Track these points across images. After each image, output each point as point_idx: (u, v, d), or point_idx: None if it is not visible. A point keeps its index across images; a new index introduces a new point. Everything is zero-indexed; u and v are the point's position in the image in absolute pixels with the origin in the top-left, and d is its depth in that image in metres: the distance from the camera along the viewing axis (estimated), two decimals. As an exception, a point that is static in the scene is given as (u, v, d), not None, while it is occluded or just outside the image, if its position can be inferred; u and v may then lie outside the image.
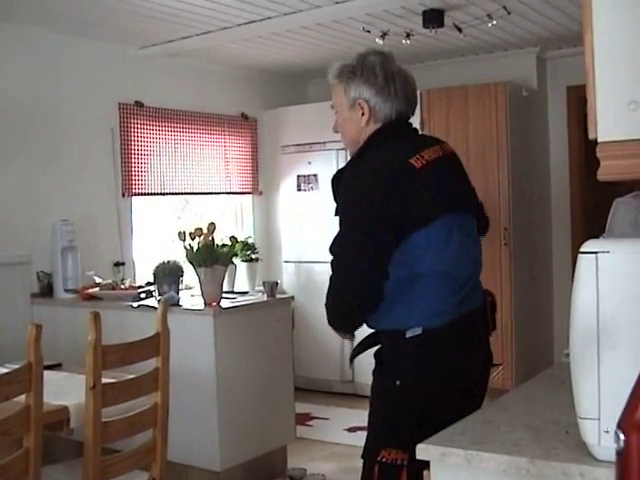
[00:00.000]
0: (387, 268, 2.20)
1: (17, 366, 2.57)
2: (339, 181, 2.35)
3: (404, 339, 2.24)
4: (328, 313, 2.32)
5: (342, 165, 2.50)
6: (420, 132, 2.71)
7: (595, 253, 1.44)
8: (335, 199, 2.35)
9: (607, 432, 1.41)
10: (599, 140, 1.46)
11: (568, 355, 1.51)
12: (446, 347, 2.23)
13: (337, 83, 2.42)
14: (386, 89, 2.33)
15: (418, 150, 2.29)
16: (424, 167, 2.26)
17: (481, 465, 1.55)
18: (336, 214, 2.31)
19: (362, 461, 2.34)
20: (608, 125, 1.45)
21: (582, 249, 1.46)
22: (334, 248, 2.28)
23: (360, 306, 2.26)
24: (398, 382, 2.25)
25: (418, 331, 2.23)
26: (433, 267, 2.23)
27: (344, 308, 2.30)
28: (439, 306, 2.24)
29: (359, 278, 2.22)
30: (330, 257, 2.29)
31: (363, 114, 2.36)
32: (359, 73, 2.36)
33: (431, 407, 2.20)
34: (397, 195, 2.19)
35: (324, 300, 2.33)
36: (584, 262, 1.45)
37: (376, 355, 2.39)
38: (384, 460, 2.22)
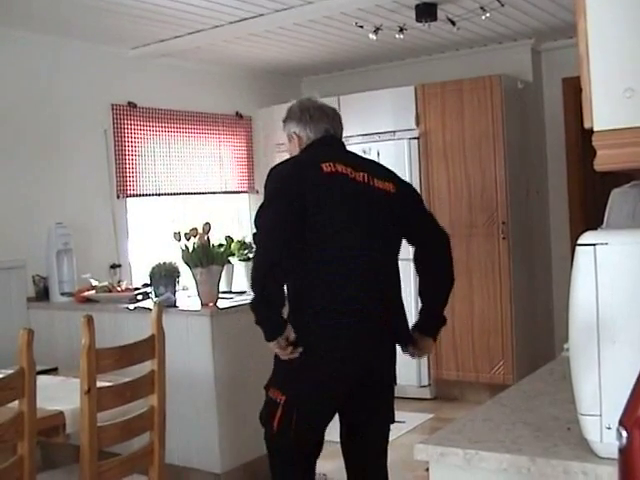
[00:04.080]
0: (291, 237, 2.78)
1: (11, 371, 2.53)
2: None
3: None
4: (253, 275, 2.84)
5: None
6: (376, 160, 3.45)
7: (593, 245, 1.41)
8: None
9: (609, 429, 1.38)
10: (595, 129, 1.43)
11: (569, 349, 1.48)
12: (313, 323, 2.84)
13: (283, 127, 3.20)
14: (302, 118, 3.07)
15: (334, 160, 2.91)
16: (332, 173, 2.87)
17: (481, 465, 1.52)
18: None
19: None
20: (604, 113, 1.42)
21: (580, 241, 1.43)
22: (257, 221, 2.88)
23: (272, 267, 2.79)
24: None
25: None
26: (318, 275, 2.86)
27: (263, 270, 2.80)
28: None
29: (274, 244, 2.80)
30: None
31: (295, 141, 3.11)
32: (286, 117, 3.16)
33: (309, 364, 2.82)
34: (302, 189, 2.81)
35: None
36: (582, 254, 1.42)
37: None
38: (270, 395, 2.92)
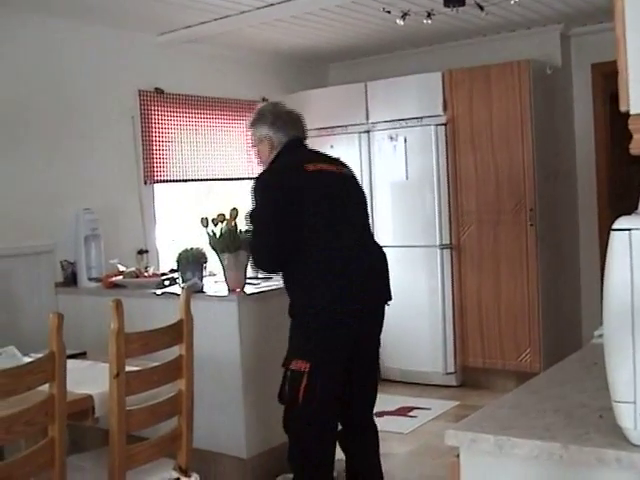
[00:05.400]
0: (287, 232, 3.17)
1: (41, 355, 2.56)
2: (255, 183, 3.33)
3: None
4: (254, 257, 3.40)
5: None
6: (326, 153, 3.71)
7: (629, 230, 1.39)
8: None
9: (643, 416, 1.37)
10: (631, 112, 1.41)
11: (601, 336, 1.46)
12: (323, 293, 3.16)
13: (250, 129, 3.53)
14: (275, 123, 3.43)
15: (312, 161, 3.32)
16: (315, 171, 3.26)
17: (512, 451, 1.50)
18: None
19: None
20: (641, 96, 1.40)
21: (615, 226, 1.41)
22: (251, 221, 3.34)
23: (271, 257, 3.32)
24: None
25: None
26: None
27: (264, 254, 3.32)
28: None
29: (268, 241, 3.25)
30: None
31: (265, 143, 3.44)
32: (256, 120, 3.50)
33: (325, 333, 3.14)
34: (292, 190, 3.18)
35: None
36: (617, 239, 1.40)
37: None
38: (293, 368, 3.15)
